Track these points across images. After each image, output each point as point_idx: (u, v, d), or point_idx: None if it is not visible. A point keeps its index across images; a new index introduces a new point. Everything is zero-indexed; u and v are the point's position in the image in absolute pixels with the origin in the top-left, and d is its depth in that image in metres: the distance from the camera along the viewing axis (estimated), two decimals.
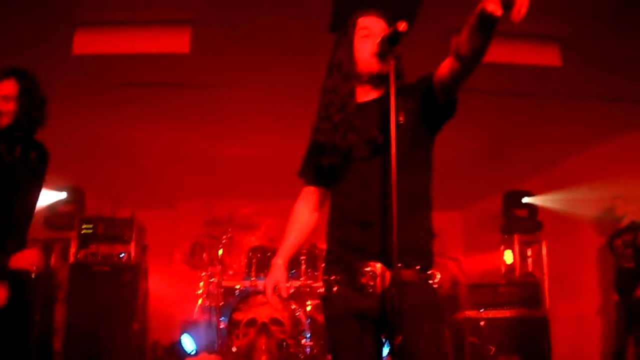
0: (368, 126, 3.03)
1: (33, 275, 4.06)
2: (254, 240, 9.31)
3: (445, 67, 2.90)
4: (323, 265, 3.27)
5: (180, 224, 11.56)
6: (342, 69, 3.13)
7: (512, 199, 9.87)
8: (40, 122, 4.30)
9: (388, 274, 2.88)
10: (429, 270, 3.04)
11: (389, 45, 2.89)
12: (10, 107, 4.19)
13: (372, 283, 2.90)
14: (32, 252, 4.07)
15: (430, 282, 3.04)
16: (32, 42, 6.62)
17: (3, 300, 3.94)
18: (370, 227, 2.96)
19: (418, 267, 3.00)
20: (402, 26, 2.80)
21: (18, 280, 4.07)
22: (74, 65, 6.86)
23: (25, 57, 6.01)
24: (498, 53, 6.76)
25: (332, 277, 3.05)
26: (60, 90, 6.83)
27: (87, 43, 6.48)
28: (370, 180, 3.00)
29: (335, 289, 3.03)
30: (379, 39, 2.96)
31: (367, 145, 3.02)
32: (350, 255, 3.00)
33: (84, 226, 8.24)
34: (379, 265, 2.92)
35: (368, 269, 2.92)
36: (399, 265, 2.80)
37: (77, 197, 8.99)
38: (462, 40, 2.80)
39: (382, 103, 2.91)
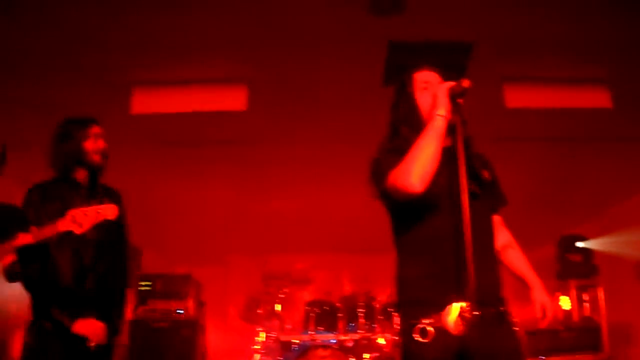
0: (440, 174, 3.03)
1: (92, 348, 3.99)
2: (307, 294, 9.33)
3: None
4: (405, 303, 3.15)
5: (233, 279, 11.62)
6: (409, 121, 3.18)
7: (567, 243, 9.79)
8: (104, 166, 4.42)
9: (475, 315, 2.83)
10: (510, 314, 3.08)
11: (454, 99, 2.98)
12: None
13: (465, 324, 2.86)
14: (98, 325, 4.03)
15: (513, 325, 3.10)
16: (91, 101, 6.75)
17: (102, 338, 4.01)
18: (458, 269, 2.93)
19: (502, 310, 3.06)
20: (465, 83, 2.92)
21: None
22: (132, 124, 7.01)
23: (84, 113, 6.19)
24: (548, 98, 6.82)
25: (426, 321, 2.96)
26: (118, 149, 6.99)
27: (145, 102, 6.62)
28: (454, 225, 2.98)
29: (430, 332, 2.94)
30: (442, 89, 3.02)
31: (449, 192, 3.06)
32: (442, 296, 2.96)
33: (141, 283, 8.31)
34: (467, 305, 2.87)
35: (462, 309, 2.89)
36: (488, 307, 2.93)
37: (134, 254, 9.11)
38: (506, 262, 3.45)
39: (452, 152, 2.96)
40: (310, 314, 8.29)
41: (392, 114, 3.36)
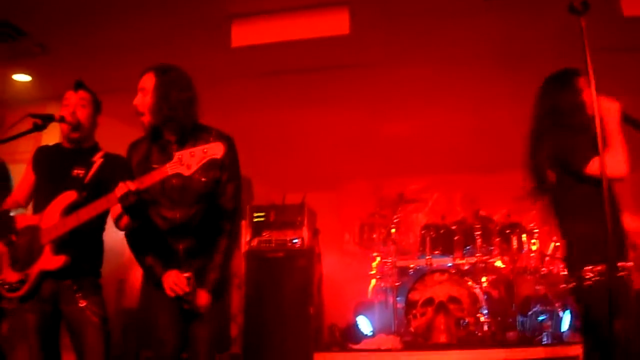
0: None
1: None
2: (421, 217, 9.21)
3: None
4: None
5: (347, 205, 11.56)
6: (580, 114, 4.04)
7: None
8: (181, 120, 4.06)
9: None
10: None
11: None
12: (146, 102, 4.03)
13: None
14: (178, 277, 3.92)
15: None
16: (191, 37, 6.73)
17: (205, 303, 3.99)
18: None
19: None
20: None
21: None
22: (233, 57, 6.94)
23: (185, 52, 6.15)
24: None
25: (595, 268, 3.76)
26: (221, 83, 6.94)
27: (245, 34, 6.52)
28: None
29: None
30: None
31: None
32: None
33: (255, 214, 8.35)
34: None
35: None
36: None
37: (245, 186, 9.15)
38: None
39: None
40: (426, 238, 8.18)
41: (555, 103, 4.15)
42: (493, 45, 6.88)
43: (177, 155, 3.62)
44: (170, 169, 3.64)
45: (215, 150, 3.60)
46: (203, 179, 4.02)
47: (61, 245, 4.10)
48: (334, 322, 9.00)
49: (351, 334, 8.28)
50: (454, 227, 8.21)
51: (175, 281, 3.92)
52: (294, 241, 8.20)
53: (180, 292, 3.89)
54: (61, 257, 4.07)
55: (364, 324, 8.31)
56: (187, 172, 3.60)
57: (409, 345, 7.25)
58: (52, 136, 5.23)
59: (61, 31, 6.69)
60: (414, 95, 8.31)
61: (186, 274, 3.92)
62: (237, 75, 7.52)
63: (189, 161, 3.58)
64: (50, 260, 4.08)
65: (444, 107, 8.69)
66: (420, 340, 7.27)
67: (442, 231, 8.19)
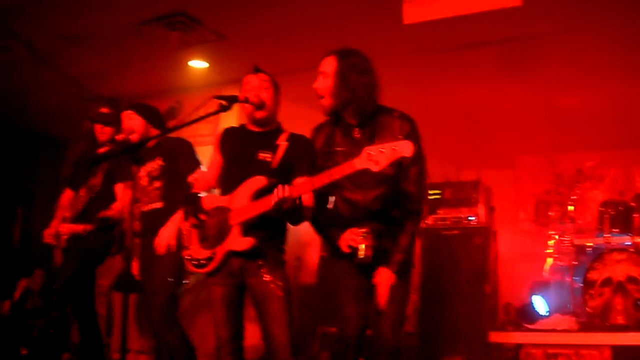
0: None
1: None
2: (598, 194, 8.93)
3: None
4: None
5: (522, 181, 11.38)
6: None
7: None
8: (361, 104, 4.20)
9: None
10: None
11: None
12: (327, 85, 4.22)
13: None
14: (353, 233, 4.10)
15: None
16: (362, 16, 6.80)
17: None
18: None
19: None
20: None
21: None
22: (405, 34, 6.99)
23: (356, 32, 6.21)
24: None
25: None
26: (393, 61, 6.95)
27: (417, 11, 6.51)
28: None
29: None
30: None
31: None
32: None
33: (430, 192, 8.35)
34: None
35: None
36: None
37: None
38: None
39: None
40: (604, 215, 7.91)
41: None
42: None
43: (366, 150, 3.67)
44: (358, 164, 3.70)
45: (405, 149, 3.60)
46: None
47: (249, 227, 4.25)
48: (509, 301, 8.92)
49: (526, 314, 8.16)
50: (633, 204, 7.90)
51: (350, 237, 4.08)
52: (470, 219, 8.18)
53: (354, 244, 4.04)
54: (249, 239, 4.22)
55: (540, 304, 8.18)
56: (375, 169, 3.65)
57: (586, 326, 7.10)
58: (229, 120, 5.40)
59: (234, 17, 7.02)
60: (590, 65, 8.03)
61: (362, 229, 4.05)
62: (409, 52, 7.58)
63: (377, 157, 3.63)
64: (238, 242, 4.24)
65: (620, 77, 8.35)
66: (597, 321, 7.09)
67: (620, 208, 7.91)
